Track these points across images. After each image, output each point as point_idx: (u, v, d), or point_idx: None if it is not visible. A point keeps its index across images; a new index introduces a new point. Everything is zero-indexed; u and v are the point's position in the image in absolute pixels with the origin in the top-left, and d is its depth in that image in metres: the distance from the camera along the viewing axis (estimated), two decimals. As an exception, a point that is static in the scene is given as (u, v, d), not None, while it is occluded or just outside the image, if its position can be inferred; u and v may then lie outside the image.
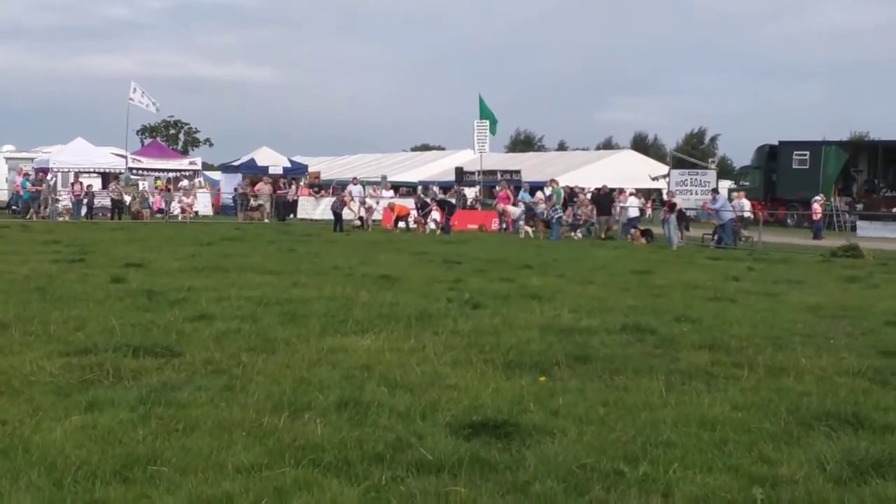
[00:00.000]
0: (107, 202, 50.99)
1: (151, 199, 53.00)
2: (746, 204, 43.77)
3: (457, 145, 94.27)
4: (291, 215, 52.94)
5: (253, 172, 58.21)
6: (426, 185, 64.79)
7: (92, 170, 56.77)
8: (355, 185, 52.90)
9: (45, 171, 53.55)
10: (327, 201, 51.21)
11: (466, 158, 75.80)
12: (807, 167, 58.92)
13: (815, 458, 7.23)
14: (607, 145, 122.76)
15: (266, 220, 50.20)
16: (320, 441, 7.38)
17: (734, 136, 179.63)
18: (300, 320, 13.56)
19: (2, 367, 9.95)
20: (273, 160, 60.11)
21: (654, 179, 60.06)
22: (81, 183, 51.22)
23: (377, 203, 50.07)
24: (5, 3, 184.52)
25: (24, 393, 8.84)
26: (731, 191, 56.36)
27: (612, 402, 9.00)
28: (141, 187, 56.30)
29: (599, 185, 47.11)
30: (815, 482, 6.69)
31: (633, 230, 40.85)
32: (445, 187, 63.97)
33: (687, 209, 42.47)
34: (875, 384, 10.11)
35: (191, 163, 63.34)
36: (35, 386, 9.13)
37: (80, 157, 56.57)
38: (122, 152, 59.44)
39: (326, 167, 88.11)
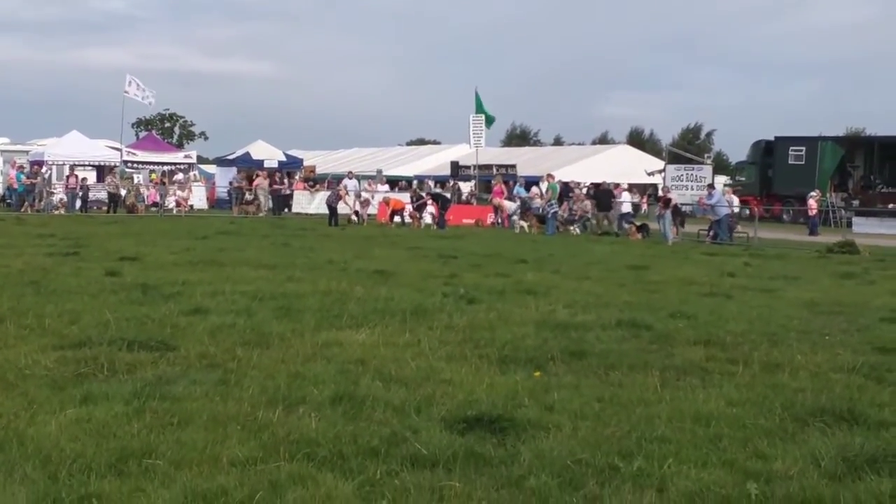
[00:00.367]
0: (102, 195, 50.93)
1: (146, 193, 52.91)
2: (735, 199, 43.77)
3: (453, 139, 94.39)
4: (286, 209, 52.89)
5: (248, 166, 58.14)
6: (421, 180, 64.68)
7: (87, 163, 56.66)
8: (351, 179, 52.84)
9: (40, 163, 53.48)
10: (322, 195, 51.15)
11: (462, 153, 75.85)
12: (803, 163, 58.98)
13: (809, 453, 7.24)
14: (603, 140, 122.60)
15: (262, 214, 50.14)
16: (315, 435, 7.39)
17: (730, 132, 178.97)
18: (295, 315, 13.56)
19: (-4, 360, 9.96)
20: (268, 154, 60.07)
21: (649, 174, 60.02)
22: (77, 176, 51.11)
23: (372, 197, 50.06)
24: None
25: (19, 386, 8.83)
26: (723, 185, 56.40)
27: (607, 397, 9.02)
28: (136, 180, 56.21)
29: (598, 181, 47.16)
30: (809, 478, 6.70)
31: (627, 225, 40.91)
32: (441, 181, 63.95)
33: (683, 205, 42.51)
34: (870, 380, 10.13)
35: (186, 156, 63.33)
36: (30, 379, 9.13)
37: (75, 150, 56.46)
38: (118, 145, 59.44)
39: (322, 161, 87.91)
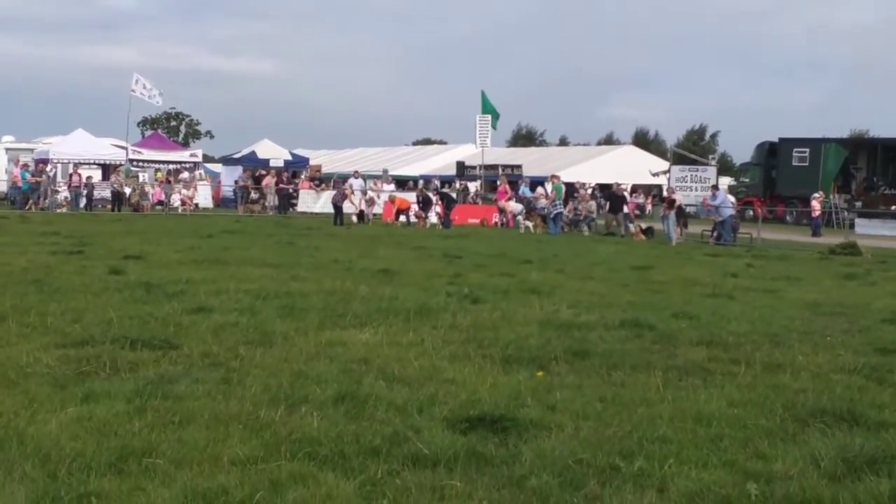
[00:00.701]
0: (107, 194, 50.97)
1: (151, 191, 52.95)
2: (731, 199, 43.66)
3: (458, 139, 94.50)
4: (291, 209, 52.89)
5: (254, 165, 58.21)
6: (427, 179, 64.70)
7: (92, 161, 56.80)
8: (356, 178, 52.86)
9: (45, 162, 53.56)
10: (328, 194, 51.18)
11: (468, 153, 75.89)
12: (806, 164, 58.96)
13: (809, 454, 7.23)
14: (608, 141, 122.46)
15: (270, 213, 50.15)
16: (317, 434, 7.38)
17: (735, 133, 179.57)
18: (299, 314, 13.55)
19: (-1, 358, 9.96)
20: (274, 153, 60.10)
21: (654, 175, 60.01)
22: (80, 175, 51.17)
23: (378, 196, 50.05)
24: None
25: (20, 384, 8.83)
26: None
27: (609, 397, 9.01)
28: (141, 179, 56.28)
29: (604, 181, 47.07)
30: (809, 478, 6.69)
31: (630, 225, 40.91)
32: (446, 181, 63.95)
33: (687, 205, 42.48)
34: (871, 381, 10.12)
35: (191, 155, 63.35)
36: (31, 377, 9.13)
37: (80, 148, 56.62)
38: (123, 144, 59.42)
39: (328, 160, 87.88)
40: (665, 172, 53.92)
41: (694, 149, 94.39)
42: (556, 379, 9.81)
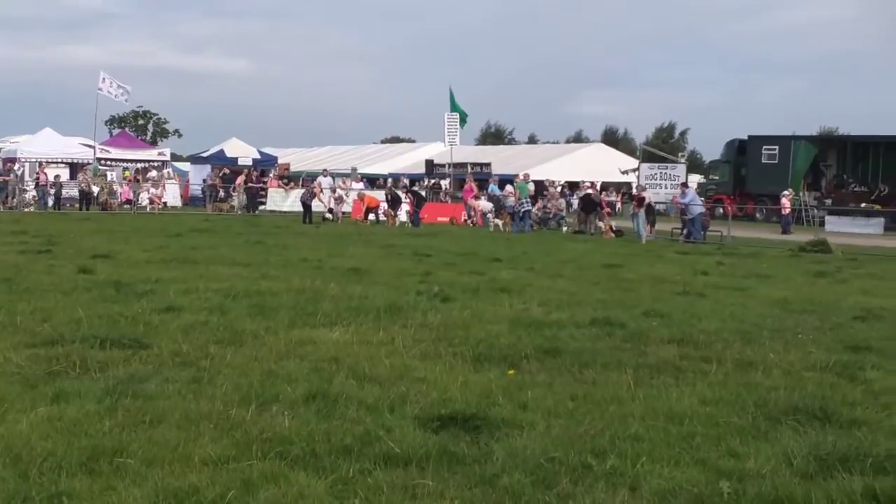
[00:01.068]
0: (75, 193, 50.67)
1: (120, 190, 52.69)
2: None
3: (427, 138, 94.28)
4: (261, 206, 52.73)
5: (222, 164, 57.98)
6: (396, 178, 64.63)
7: (60, 160, 56.49)
8: (325, 177, 52.77)
9: (13, 160, 53.21)
10: (297, 193, 51.05)
11: (437, 151, 75.88)
12: (776, 162, 59.16)
13: (782, 452, 7.26)
14: (577, 139, 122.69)
15: (239, 212, 50.01)
16: (288, 434, 7.36)
17: (704, 131, 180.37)
18: (269, 312, 13.53)
19: (-33, 358, 9.89)
20: (242, 151, 59.94)
21: (623, 173, 60.16)
22: (46, 173, 50.91)
23: (347, 195, 49.96)
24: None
25: (-10, 384, 8.78)
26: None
27: (580, 395, 9.02)
28: (109, 178, 55.99)
29: (573, 179, 47.05)
30: (781, 476, 6.72)
31: (600, 223, 40.99)
32: (415, 179, 63.94)
33: (657, 203, 42.60)
34: (842, 379, 10.17)
35: (160, 153, 63.18)
36: (1, 377, 9.08)
37: (48, 147, 56.30)
38: (91, 143, 59.15)
39: (297, 159, 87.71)
40: (634, 170, 54.04)
41: (663, 146, 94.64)
42: (527, 377, 9.82)
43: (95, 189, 50.81)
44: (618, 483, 6.55)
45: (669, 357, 11.07)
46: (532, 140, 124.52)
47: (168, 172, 60.03)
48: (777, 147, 59.80)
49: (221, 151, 59.79)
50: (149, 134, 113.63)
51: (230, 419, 7.75)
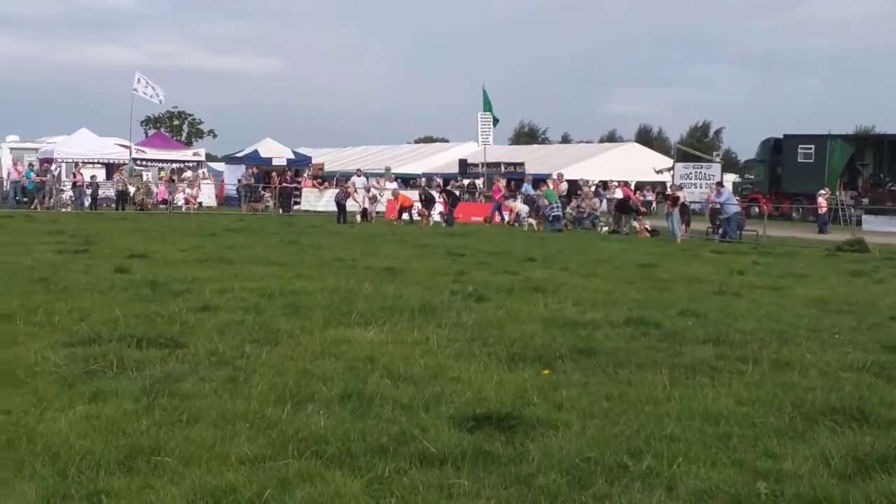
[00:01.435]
0: (111, 193, 50.95)
1: (155, 190, 52.96)
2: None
3: (460, 137, 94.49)
4: (295, 207, 52.84)
5: (256, 164, 58.14)
6: (430, 177, 64.64)
7: (96, 160, 56.80)
8: (359, 176, 52.85)
9: (50, 161, 53.57)
10: (331, 193, 51.15)
11: (470, 150, 75.95)
12: (812, 161, 58.88)
13: (819, 453, 7.22)
14: (611, 138, 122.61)
15: (272, 212, 50.18)
16: (323, 433, 7.39)
17: (739, 129, 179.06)
18: (303, 312, 13.57)
19: (6, 357, 9.98)
20: (277, 152, 60.02)
21: (658, 172, 59.91)
22: (82, 174, 51.23)
23: (381, 194, 50.02)
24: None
25: (29, 383, 8.86)
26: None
27: (615, 395, 9.01)
28: (145, 178, 56.30)
29: (606, 179, 46.81)
30: (819, 477, 6.69)
31: (635, 223, 40.86)
32: (448, 179, 63.96)
33: (691, 202, 42.41)
34: (880, 379, 10.11)
35: (195, 154, 63.39)
36: (39, 376, 9.15)
37: (84, 147, 56.57)
38: (127, 143, 59.47)
39: (330, 159, 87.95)
40: (669, 170, 53.82)
41: (698, 145, 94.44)
42: (562, 377, 9.81)
43: (132, 189, 51.07)
44: (654, 483, 6.53)
45: (705, 357, 11.03)
46: (565, 139, 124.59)
47: (203, 172, 60.29)
48: (813, 146, 59.50)
49: (256, 152, 59.90)
50: (184, 134, 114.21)
51: (266, 418, 7.78)
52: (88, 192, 49.48)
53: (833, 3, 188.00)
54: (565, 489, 6.38)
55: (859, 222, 47.20)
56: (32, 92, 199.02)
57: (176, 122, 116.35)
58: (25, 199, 49.80)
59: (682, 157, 56.66)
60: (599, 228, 42.54)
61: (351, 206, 45.33)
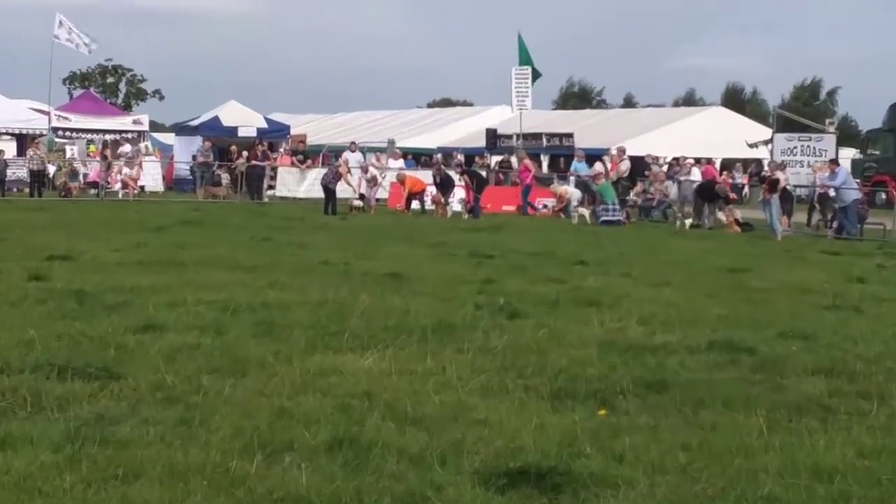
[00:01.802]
0: (24, 173, 51.06)
1: (83, 170, 53.08)
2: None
3: (488, 101, 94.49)
4: (269, 191, 52.90)
5: (217, 135, 58.13)
6: (447, 153, 64.69)
7: (3, 130, 56.92)
8: (353, 152, 52.86)
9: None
10: (316, 173, 51.18)
11: (501, 117, 75.83)
12: (959, 132, 58.78)
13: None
14: (689, 101, 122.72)
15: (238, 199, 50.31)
16: (305, 493, 7.41)
17: (860, 90, 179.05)
18: (279, 333, 13.61)
19: None
20: (244, 119, 60.00)
21: (751, 146, 59.86)
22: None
23: (383, 176, 49.98)
24: None
25: (-86, 427, 8.89)
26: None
27: (695, 444, 9.01)
28: (69, 154, 56.43)
29: (680, 155, 46.75)
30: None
31: (721, 214, 40.74)
32: (472, 155, 63.95)
33: (796, 186, 42.33)
34: None
35: (135, 121, 63.51)
36: (-73, 417, 9.19)
37: (-12, 113, 56.81)
38: (45, 107, 59.58)
39: (315, 129, 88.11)
40: (766, 143, 53.74)
41: (804, 111, 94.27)
42: (623, 419, 9.83)
43: (51, 169, 51.19)
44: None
45: (815, 393, 11.03)
46: (629, 103, 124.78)
47: (146, 147, 60.34)
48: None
49: (216, 119, 59.85)
50: (120, 96, 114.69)
51: (229, 473, 7.79)
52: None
53: None
54: (628, 569, 6.39)
55: None
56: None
57: (110, 80, 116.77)
58: None
59: (783, 125, 56.60)
60: (675, 221, 42.36)
61: (342, 191, 45.31)
